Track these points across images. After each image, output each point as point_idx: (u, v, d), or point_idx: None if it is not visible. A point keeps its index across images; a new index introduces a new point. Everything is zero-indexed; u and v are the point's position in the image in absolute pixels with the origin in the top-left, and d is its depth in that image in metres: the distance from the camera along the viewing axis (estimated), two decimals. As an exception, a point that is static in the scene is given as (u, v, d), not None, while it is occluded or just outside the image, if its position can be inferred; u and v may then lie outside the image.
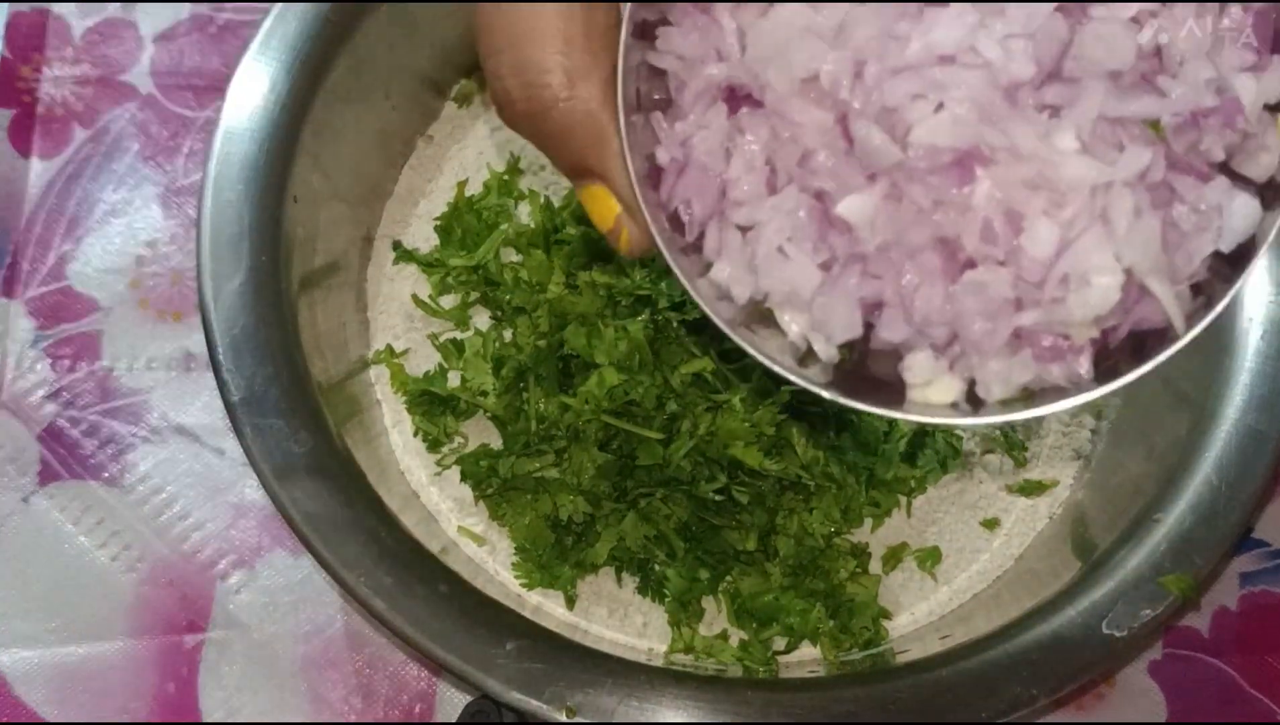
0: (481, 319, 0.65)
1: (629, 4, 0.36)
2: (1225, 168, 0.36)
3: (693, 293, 0.37)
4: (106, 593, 0.60)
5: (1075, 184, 0.33)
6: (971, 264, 0.35)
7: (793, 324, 0.38)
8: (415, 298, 0.64)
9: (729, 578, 0.59)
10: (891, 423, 0.60)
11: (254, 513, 0.62)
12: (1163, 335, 0.36)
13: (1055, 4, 0.33)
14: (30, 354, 0.64)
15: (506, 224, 0.64)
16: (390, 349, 0.64)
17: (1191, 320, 0.35)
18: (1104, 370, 0.36)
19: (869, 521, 0.62)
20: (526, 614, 0.53)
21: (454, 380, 0.62)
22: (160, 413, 0.63)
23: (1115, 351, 0.37)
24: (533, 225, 0.64)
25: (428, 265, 0.65)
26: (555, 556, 0.59)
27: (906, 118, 0.34)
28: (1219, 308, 0.35)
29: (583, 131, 0.37)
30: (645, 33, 0.37)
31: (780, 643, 0.59)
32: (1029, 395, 0.37)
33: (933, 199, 0.34)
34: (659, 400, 0.57)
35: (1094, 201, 0.34)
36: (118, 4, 0.70)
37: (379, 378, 0.64)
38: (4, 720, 0.58)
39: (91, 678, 0.59)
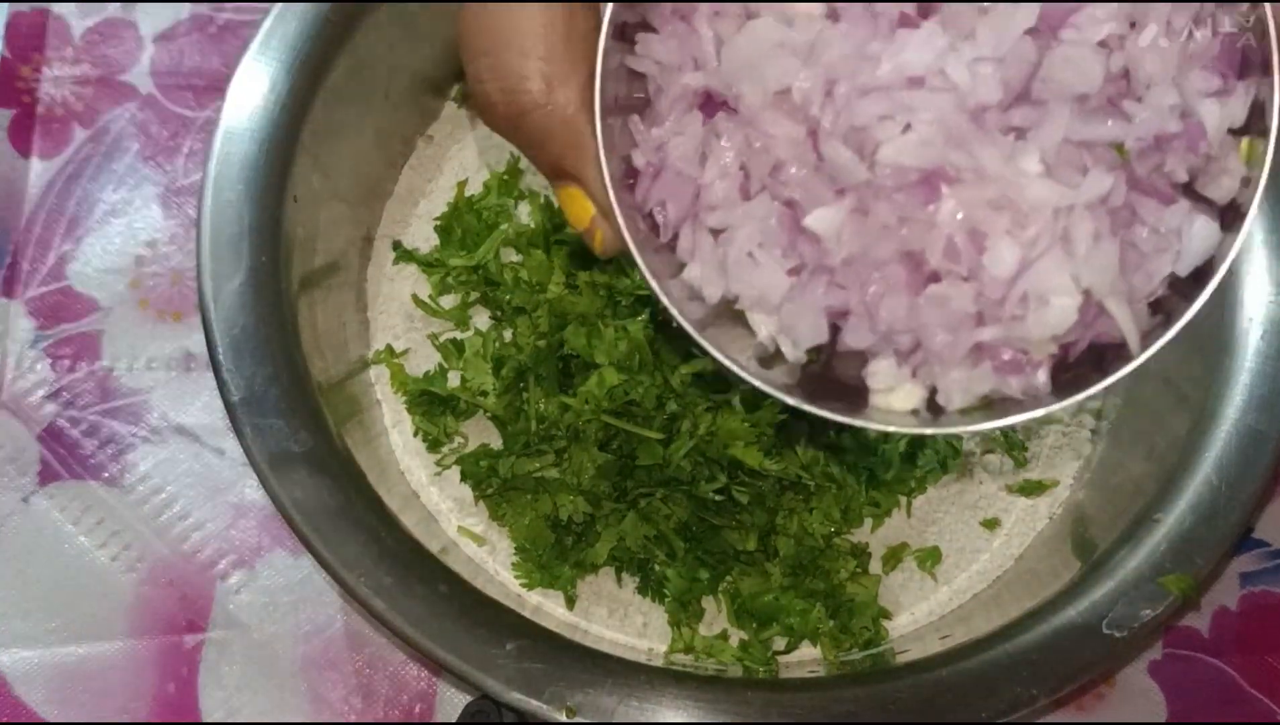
0: (481, 319, 0.65)
1: (610, 5, 0.36)
2: (1189, 188, 0.36)
3: (660, 295, 0.37)
4: (106, 593, 0.60)
5: (1038, 206, 0.34)
6: (936, 277, 0.35)
7: (762, 326, 0.38)
8: (415, 298, 0.64)
9: (729, 578, 0.59)
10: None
11: (254, 513, 0.62)
12: (1122, 348, 0.36)
13: (1025, 28, 0.33)
14: (30, 354, 0.64)
15: (506, 224, 0.64)
16: (390, 349, 0.64)
17: (1149, 337, 0.36)
18: (1065, 381, 0.37)
19: (869, 521, 0.62)
20: (526, 614, 0.53)
21: (454, 380, 0.62)
22: (160, 413, 0.63)
23: (1075, 363, 0.37)
24: (533, 225, 0.64)
25: (428, 265, 0.65)
26: (555, 556, 0.59)
27: (875, 136, 0.34)
28: (1175, 328, 0.36)
29: (560, 136, 0.38)
30: (624, 35, 0.38)
31: (780, 643, 0.59)
32: (988, 404, 0.38)
33: (899, 216, 0.35)
34: (659, 400, 0.57)
35: (1056, 223, 0.34)
36: (118, 4, 0.70)
37: (379, 378, 0.64)
38: (4, 720, 0.58)
39: (91, 678, 0.59)
